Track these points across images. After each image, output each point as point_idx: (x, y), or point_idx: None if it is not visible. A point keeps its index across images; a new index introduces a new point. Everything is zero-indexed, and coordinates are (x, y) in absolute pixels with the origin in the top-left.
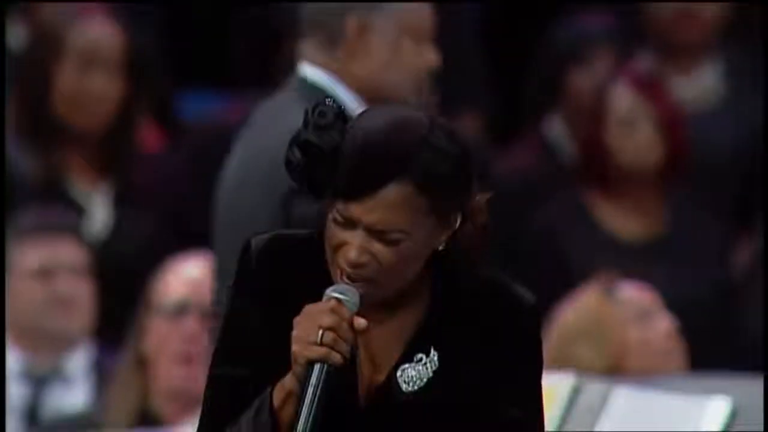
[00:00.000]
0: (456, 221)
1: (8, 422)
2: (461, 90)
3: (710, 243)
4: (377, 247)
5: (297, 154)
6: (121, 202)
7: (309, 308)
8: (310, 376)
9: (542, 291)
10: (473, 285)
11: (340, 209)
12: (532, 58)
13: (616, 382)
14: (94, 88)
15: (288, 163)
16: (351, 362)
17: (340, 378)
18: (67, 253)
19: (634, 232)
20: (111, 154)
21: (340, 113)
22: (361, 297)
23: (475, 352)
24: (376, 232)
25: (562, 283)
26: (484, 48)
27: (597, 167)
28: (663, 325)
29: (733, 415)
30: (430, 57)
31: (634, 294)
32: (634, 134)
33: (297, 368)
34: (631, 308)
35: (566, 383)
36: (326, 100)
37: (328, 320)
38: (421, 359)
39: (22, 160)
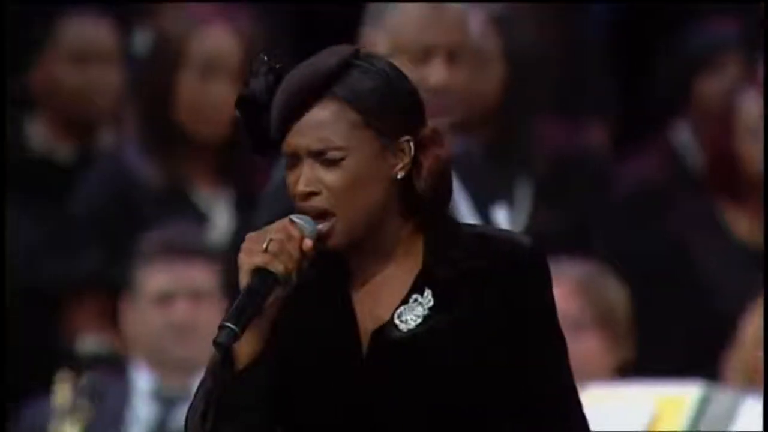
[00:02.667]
0: (409, 148)
1: None
2: (587, 96)
3: None
4: (322, 172)
5: (237, 112)
6: (242, 208)
7: (264, 228)
8: (252, 282)
9: (671, 298)
10: (467, 233)
11: (283, 149)
12: (659, 63)
13: (746, 392)
14: (214, 96)
15: (236, 125)
16: (345, 311)
17: (340, 329)
18: (190, 277)
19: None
20: (232, 160)
21: (270, 63)
22: (320, 230)
23: (471, 289)
24: (315, 156)
25: (691, 290)
26: (610, 53)
27: (727, 175)
28: None
29: None
30: (430, 76)
31: None
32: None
33: (242, 277)
34: None
35: (693, 393)
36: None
37: (276, 234)
38: (416, 300)
39: (145, 168)
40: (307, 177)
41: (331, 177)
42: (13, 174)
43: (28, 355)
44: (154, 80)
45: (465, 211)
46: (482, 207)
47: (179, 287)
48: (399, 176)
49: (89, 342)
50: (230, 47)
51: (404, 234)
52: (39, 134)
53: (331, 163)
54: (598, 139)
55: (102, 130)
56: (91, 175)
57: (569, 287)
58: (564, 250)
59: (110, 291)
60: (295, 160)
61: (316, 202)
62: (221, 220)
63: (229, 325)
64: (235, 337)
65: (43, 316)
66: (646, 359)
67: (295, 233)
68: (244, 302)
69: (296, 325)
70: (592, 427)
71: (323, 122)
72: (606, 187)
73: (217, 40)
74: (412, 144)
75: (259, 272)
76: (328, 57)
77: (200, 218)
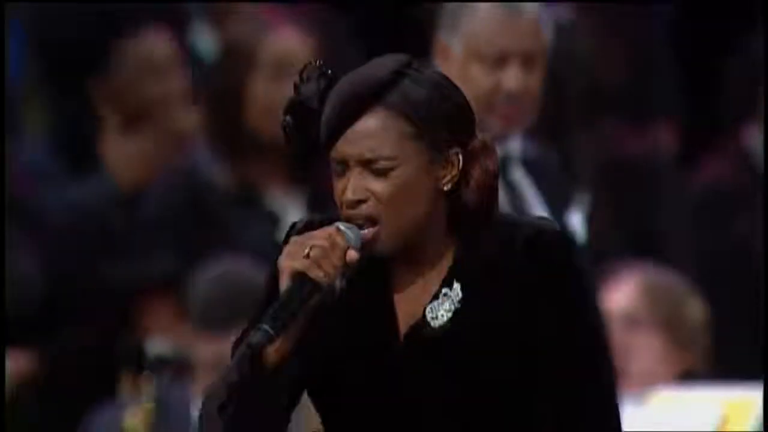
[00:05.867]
0: (458, 159)
1: None
2: (654, 97)
3: None
4: (371, 181)
5: (286, 117)
6: (314, 209)
7: (309, 233)
8: (291, 287)
9: (741, 302)
10: (499, 225)
11: (331, 156)
12: (729, 63)
13: None
14: (285, 99)
15: (283, 130)
16: (385, 312)
17: (379, 329)
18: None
19: None
20: (304, 162)
21: (320, 69)
22: (364, 236)
23: (498, 280)
24: (365, 165)
25: (761, 294)
26: (678, 52)
27: None
28: None
29: None
30: (503, 81)
31: None
32: None
33: (282, 280)
34: None
35: (761, 396)
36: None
37: (320, 240)
38: (445, 294)
39: (217, 171)
40: (355, 185)
41: (379, 186)
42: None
43: (99, 356)
44: (224, 83)
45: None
46: (557, 211)
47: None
48: (446, 188)
49: (156, 345)
50: (300, 49)
51: (446, 244)
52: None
53: (380, 173)
54: (666, 142)
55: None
56: (162, 178)
57: (634, 287)
58: (630, 254)
59: (181, 293)
60: (343, 167)
61: (364, 210)
62: (293, 220)
63: (266, 327)
64: (270, 339)
65: (114, 317)
66: (716, 362)
67: (341, 242)
68: (281, 306)
69: (337, 325)
70: (659, 429)
71: (374, 132)
72: (674, 191)
73: (288, 42)
74: (461, 156)
75: (299, 277)
76: (381, 66)
77: (272, 220)
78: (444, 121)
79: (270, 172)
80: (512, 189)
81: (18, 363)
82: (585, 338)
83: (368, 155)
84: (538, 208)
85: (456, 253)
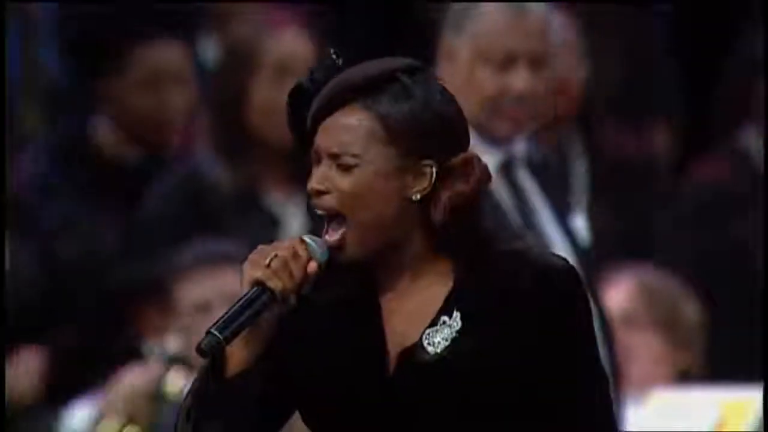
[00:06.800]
0: (431, 173)
1: None
2: (652, 98)
3: None
4: (335, 174)
5: (288, 99)
6: (314, 213)
7: (276, 242)
8: (248, 295)
9: (737, 303)
10: (500, 256)
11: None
12: (728, 63)
13: None
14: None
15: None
16: (373, 328)
17: (367, 345)
18: (227, 284)
19: None
20: (304, 164)
21: (335, 58)
22: (332, 243)
23: (501, 312)
24: (332, 158)
25: (758, 295)
26: (677, 52)
27: None
28: None
29: None
30: (510, 83)
31: None
32: None
33: (242, 287)
34: None
35: (758, 398)
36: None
37: (283, 251)
38: (444, 322)
39: (218, 173)
40: (320, 176)
41: (341, 180)
42: (87, 176)
43: (100, 356)
44: (226, 85)
45: (546, 219)
46: (561, 214)
47: (220, 295)
48: (414, 198)
49: (171, 344)
50: (303, 51)
51: (430, 252)
52: (109, 137)
53: (345, 169)
54: (664, 142)
55: (174, 137)
56: (164, 179)
57: (631, 288)
58: (627, 255)
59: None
60: (317, 157)
61: (325, 201)
62: (294, 223)
63: (214, 332)
64: (218, 344)
65: (115, 318)
66: (714, 363)
67: (303, 253)
68: (235, 313)
69: (324, 338)
70: (657, 430)
71: (346, 128)
72: (672, 191)
73: (290, 43)
74: (434, 170)
75: (258, 286)
76: (380, 65)
77: (272, 222)
78: (421, 133)
79: (271, 175)
80: (517, 191)
81: (19, 363)
82: (588, 385)
83: (335, 149)
84: (542, 211)
85: (456, 279)
